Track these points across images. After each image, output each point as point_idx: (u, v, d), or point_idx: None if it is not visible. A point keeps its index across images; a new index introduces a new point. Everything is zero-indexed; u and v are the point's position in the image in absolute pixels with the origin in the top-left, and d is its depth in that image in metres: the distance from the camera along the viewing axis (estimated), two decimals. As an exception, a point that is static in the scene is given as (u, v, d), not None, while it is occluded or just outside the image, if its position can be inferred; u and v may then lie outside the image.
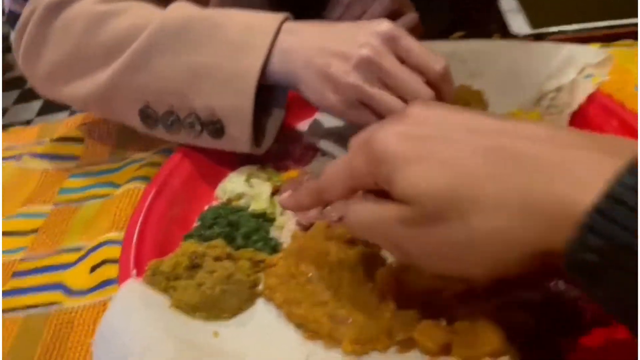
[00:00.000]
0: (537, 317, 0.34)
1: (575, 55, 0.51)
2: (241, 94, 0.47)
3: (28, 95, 2.59)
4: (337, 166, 0.33)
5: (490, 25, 0.69)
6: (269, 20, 0.48)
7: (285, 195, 0.41)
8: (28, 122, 2.41)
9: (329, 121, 0.58)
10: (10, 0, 1.58)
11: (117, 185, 0.55)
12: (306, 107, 0.58)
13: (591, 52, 0.50)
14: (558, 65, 0.51)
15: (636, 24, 0.61)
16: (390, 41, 0.45)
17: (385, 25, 0.45)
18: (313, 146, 0.56)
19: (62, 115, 2.38)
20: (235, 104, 0.47)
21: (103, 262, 0.46)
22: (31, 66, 0.56)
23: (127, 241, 0.43)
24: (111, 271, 0.44)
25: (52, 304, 0.44)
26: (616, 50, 0.60)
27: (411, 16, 0.63)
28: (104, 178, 0.58)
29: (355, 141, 0.32)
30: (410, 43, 0.45)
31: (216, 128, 0.49)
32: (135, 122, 0.52)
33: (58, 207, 0.55)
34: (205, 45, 0.48)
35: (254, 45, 0.47)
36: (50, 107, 2.46)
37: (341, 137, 0.56)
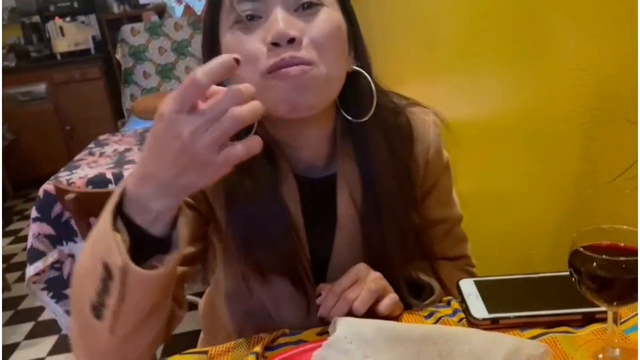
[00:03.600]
0: None
1: (521, 346, 0.64)
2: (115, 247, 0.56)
3: (18, 317, 2.63)
4: None
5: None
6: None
7: None
8: (16, 345, 2.41)
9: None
10: (34, 239, 1.71)
11: None
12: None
13: (533, 345, 0.65)
14: (508, 353, 0.64)
15: (571, 314, 0.76)
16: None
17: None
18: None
19: (48, 340, 2.40)
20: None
21: None
22: None
23: None
24: None
25: None
26: (557, 335, 0.74)
27: (393, 296, 0.78)
28: None
29: None
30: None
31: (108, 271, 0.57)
32: (91, 321, 0.60)
33: None
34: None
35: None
36: (37, 332, 2.48)
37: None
